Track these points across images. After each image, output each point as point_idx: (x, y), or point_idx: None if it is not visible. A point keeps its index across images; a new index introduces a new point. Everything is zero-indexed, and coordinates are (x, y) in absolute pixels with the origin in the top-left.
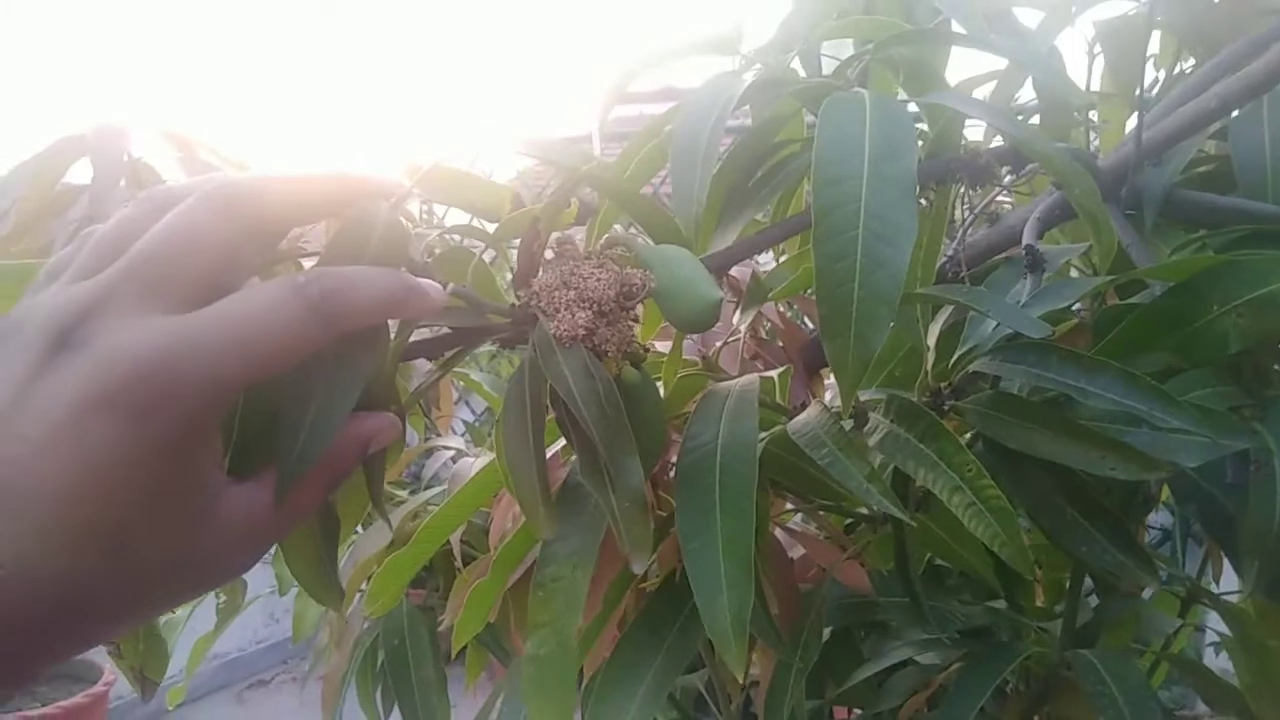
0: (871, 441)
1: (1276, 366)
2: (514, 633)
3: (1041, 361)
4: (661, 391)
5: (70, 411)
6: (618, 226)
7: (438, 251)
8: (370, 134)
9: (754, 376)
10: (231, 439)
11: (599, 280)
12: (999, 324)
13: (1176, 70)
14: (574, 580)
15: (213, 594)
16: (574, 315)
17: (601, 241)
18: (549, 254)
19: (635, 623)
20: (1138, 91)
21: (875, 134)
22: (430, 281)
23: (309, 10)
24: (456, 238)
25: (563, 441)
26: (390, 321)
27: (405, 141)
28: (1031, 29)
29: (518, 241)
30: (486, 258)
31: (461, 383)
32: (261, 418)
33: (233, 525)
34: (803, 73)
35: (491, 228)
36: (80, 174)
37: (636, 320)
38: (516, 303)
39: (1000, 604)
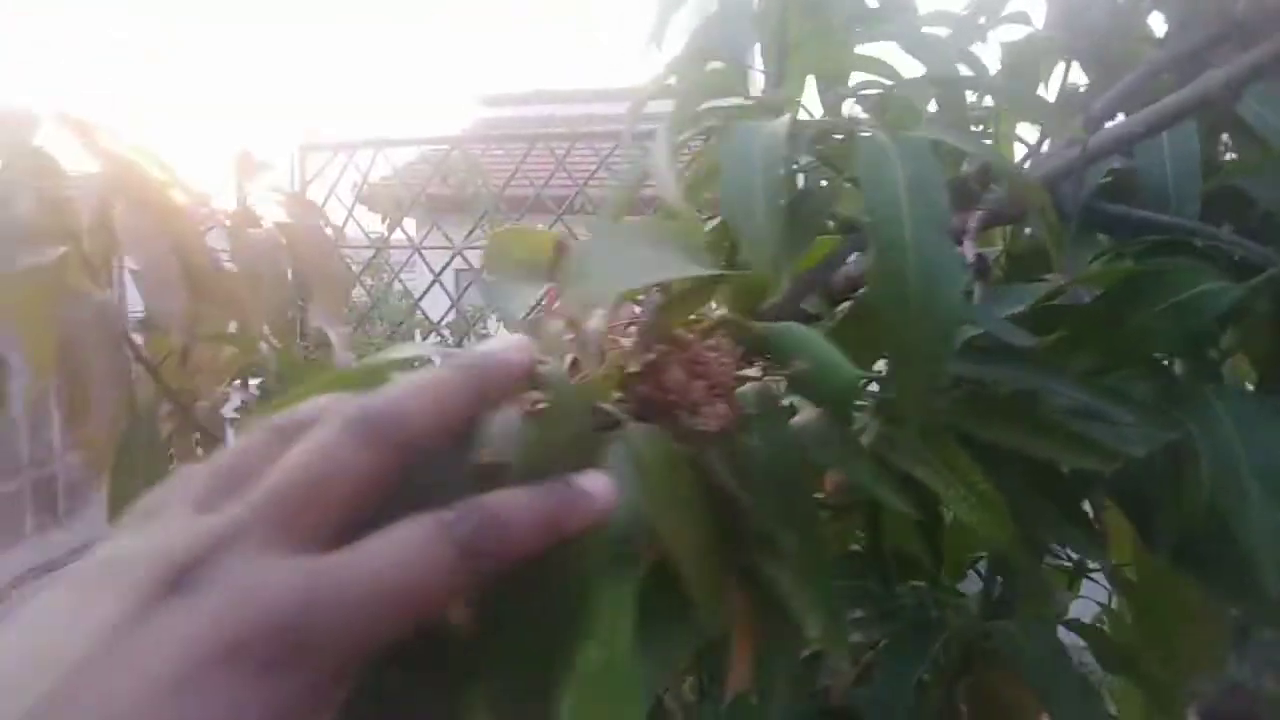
0: (864, 441)
1: (1188, 364)
2: None
3: (1009, 364)
4: None
5: (183, 664)
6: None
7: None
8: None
9: None
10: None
11: (723, 366)
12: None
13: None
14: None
15: None
16: (715, 407)
17: (706, 322)
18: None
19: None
20: (1077, 113)
21: (909, 177)
22: (598, 478)
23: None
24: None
25: None
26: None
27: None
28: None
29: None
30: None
31: None
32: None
33: None
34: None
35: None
36: None
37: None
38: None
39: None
